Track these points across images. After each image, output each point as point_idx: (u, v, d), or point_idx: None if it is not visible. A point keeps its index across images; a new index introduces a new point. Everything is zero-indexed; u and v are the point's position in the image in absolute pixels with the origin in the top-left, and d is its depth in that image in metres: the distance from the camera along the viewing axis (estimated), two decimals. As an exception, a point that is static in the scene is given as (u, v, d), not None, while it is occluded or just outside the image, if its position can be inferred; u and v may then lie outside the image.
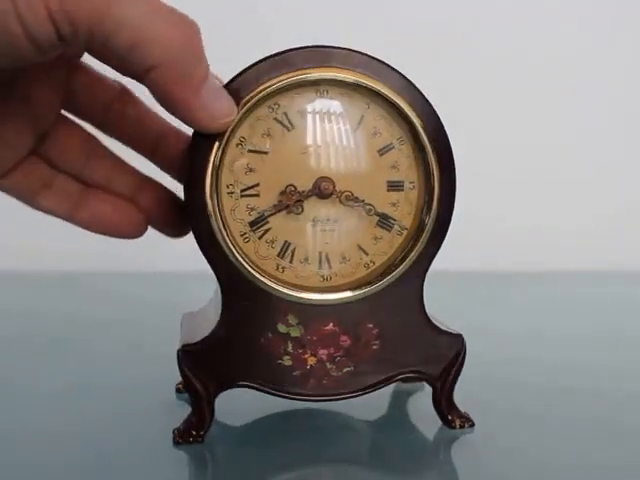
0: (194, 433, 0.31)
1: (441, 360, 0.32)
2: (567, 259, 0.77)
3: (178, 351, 0.30)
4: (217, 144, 0.29)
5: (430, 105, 0.30)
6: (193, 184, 0.29)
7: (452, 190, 0.31)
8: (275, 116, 0.30)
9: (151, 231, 0.31)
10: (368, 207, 0.30)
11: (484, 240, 0.73)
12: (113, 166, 0.30)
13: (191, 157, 0.29)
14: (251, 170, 0.30)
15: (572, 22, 0.82)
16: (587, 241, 0.78)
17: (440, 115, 0.30)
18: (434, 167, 0.30)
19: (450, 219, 0.31)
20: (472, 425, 0.32)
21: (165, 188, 0.31)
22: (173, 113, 0.26)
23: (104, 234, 0.30)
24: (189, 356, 0.30)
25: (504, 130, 0.79)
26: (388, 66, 0.30)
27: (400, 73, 0.30)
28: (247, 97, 0.29)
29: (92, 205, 0.29)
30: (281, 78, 0.29)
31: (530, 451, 0.31)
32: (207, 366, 0.31)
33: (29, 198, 0.29)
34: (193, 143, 0.29)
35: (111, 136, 0.30)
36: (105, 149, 0.30)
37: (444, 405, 0.32)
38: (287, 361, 0.31)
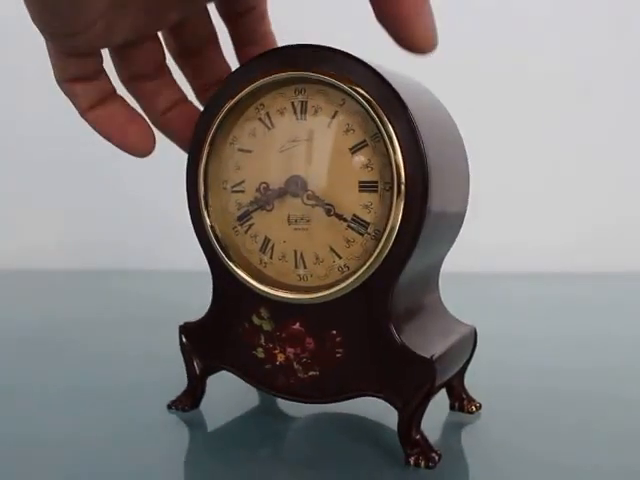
0: (185, 403, 0.34)
1: (405, 385, 0.28)
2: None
3: (180, 326, 0.34)
4: (207, 143, 0.31)
5: (403, 104, 0.27)
6: (190, 179, 0.32)
7: (423, 192, 0.27)
8: (259, 116, 0.31)
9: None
10: (327, 207, 0.29)
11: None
12: (166, 82, 0.33)
13: (189, 155, 0.32)
14: (239, 168, 0.32)
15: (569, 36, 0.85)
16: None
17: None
18: (401, 168, 0.27)
19: (421, 223, 0.27)
20: (430, 467, 0.28)
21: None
22: (393, 16, 0.25)
23: (109, 139, 0.31)
24: (185, 332, 0.34)
25: (501, 142, 0.83)
26: (363, 63, 0.28)
27: (375, 70, 0.28)
28: (235, 97, 0.30)
29: (111, 107, 0.31)
30: (262, 78, 0.30)
31: (536, 454, 0.30)
32: (198, 346, 0.34)
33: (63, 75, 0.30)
34: (192, 142, 0.32)
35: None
36: (167, 67, 0.33)
37: (403, 435, 0.28)
38: (260, 353, 0.32)
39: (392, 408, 0.29)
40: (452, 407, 0.34)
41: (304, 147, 0.30)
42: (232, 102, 0.30)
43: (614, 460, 0.30)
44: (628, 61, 0.86)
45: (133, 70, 0.32)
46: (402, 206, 0.27)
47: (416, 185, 0.27)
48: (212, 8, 0.33)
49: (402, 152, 0.27)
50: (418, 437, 0.28)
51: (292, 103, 0.30)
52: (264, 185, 0.31)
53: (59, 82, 0.30)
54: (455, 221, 0.32)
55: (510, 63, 0.84)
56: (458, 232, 0.32)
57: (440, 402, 0.34)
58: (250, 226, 0.32)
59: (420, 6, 0.25)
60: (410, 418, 0.28)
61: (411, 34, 0.25)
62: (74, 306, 0.67)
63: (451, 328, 0.32)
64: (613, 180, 0.87)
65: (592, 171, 0.86)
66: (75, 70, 0.30)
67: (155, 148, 0.32)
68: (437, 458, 0.28)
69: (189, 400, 0.34)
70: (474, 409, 0.34)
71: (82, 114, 0.31)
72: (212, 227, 0.32)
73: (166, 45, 0.33)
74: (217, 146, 0.32)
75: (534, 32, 0.86)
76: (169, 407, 0.34)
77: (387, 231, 0.28)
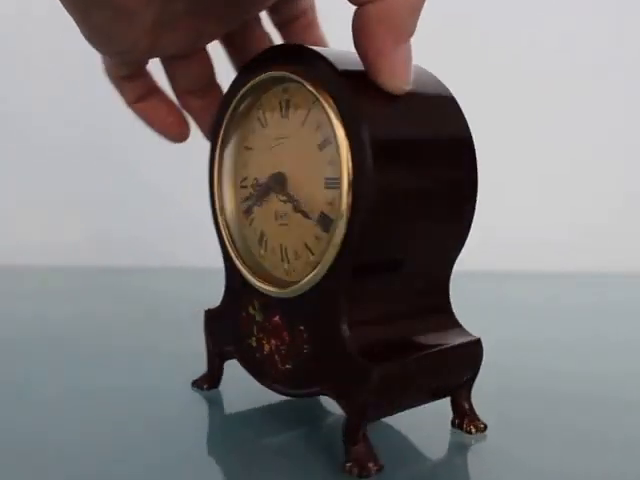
0: (205, 383, 0.37)
1: (350, 391, 0.27)
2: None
3: (204, 311, 0.37)
4: (219, 141, 0.34)
5: (357, 106, 0.27)
6: (210, 176, 0.35)
7: (368, 190, 0.26)
8: (258, 115, 0.32)
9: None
10: (295, 204, 0.29)
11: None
12: (214, 99, 0.35)
13: (209, 152, 0.35)
14: (245, 165, 0.33)
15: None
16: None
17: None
18: (350, 165, 0.27)
19: (367, 221, 0.26)
20: (364, 476, 0.26)
21: None
22: (363, 53, 0.27)
23: (150, 127, 0.36)
24: (206, 318, 0.36)
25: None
26: (330, 64, 0.27)
27: (338, 71, 0.27)
28: (236, 97, 0.32)
29: (153, 100, 0.35)
30: (254, 78, 0.31)
31: (536, 461, 0.29)
32: (214, 332, 0.36)
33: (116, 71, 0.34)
34: (211, 140, 0.35)
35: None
36: (217, 84, 0.36)
37: (345, 440, 0.27)
38: (253, 342, 0.33)
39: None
40: (452, 423, 0.32)
41: (286, 144, 0.31)
42: (235, 101, 0.32)
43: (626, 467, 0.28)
44: (628, 61, 0.84)
45: (183, 85, 0.36)
46: (350, 202, 0.27)
47: (362, 183, 0.26)
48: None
49: (351, 150, 0.27)
50: (359, 445, 0.27)
51: (279, 101, 0.31)
52: (256, 181, 0.32)
53: (108, 77, 0.35)
54: (438, 222, 0.29)
55: (503, 60, 0.81)
56: (451, 235, 0.30)
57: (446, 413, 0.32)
58: (252, 220, 0.33)
59: (387, 52, 0.26)
60: (351, 425, 0.27)
61: (376, 75, 0.27)
62: (94, 303, 0.64)
63: (441, 339, 0.30)
64: (612, 179, 0.84)
65: (592, 169, 0.83)
66: (123, 72, 0.34)
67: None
68: (374, 470, 0.26)
69: (209, 380, 0.37)
70: (473, 430, 0.31)
71: (128, 105, 0.36)
72: (225, 221, 0.34)
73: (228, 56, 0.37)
74: (230, 144, 0.34)
75: (531, 27, 0.83)
76: (192, 385, 0.37)
77: (336, 228, 0.27)
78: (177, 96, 0.36)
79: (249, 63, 0.32)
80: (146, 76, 0.35)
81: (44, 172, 0.83)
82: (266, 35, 0.36)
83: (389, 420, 0.33)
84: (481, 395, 0.32)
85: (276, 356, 0.32)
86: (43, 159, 0.84)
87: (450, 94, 0.31)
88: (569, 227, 0.81)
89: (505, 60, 0.82)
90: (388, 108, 0.27)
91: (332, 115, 0.27)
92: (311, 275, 0.29)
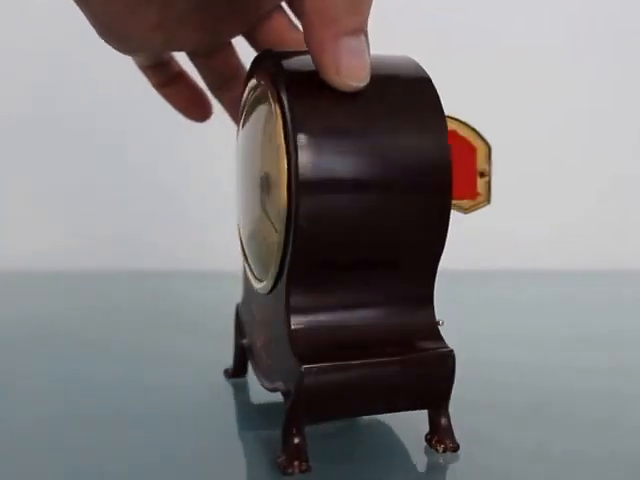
0: (231, 375, 0.39)
1: (289, 387, 0.27)
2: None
3: (236, 304, 0.39)
4: (238, 142, 0.36)
5: (291, 106, 0.27)
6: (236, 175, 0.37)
7: (300, 192, 0.26)
8: (262, 116, 0.33)
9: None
10: (262, 204, 0.30)
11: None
12: (239, 85, 0.36)
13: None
14: (259, 164, 0.34)
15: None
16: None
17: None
18: (286, 166, 0.27)
19: (294, 221, 0.26)
20: (288, 474, 0.26)
21: None
22: (309, 50, 0.26)
23: (175, 108, 0.40)
24: (236, 311, 0.38)
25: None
26: (286, 74, 0.28)
27: (285, 71, 0.28)
28: (241, 100, 0.34)
29: (177, 85, 0.39)
30: (249, 83, 0.33)
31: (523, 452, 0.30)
32: (238, 325, 0.38)
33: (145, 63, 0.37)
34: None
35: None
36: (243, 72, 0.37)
37: (282, 436, 0.27)
38: (254, 337, 0.34)
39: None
40: (425, 437, 0.29)
41: (273, 145, 0.31)
42: (242, 103, 0.34)
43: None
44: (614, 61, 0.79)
45: (209, 81, 0.38)
46: (286, 202, 0.27)
47: (293, 184, 0.26)
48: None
49: (287, 151, 0.27)
50: (292, 443, 0.27)
51: (268, 106, 0.32)
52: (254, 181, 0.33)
53: (135, 64, 0.38)
54: (404, 228, 0.28)
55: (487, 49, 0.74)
56: (424, 240, 0.28)
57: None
58: (259, 219, 0.34)
59: (328, 47, 0.25)
60: (284, 422, 0.27)
61: (322, 72, 0.26)
62: (95, 304, 0.59)
63: (405, 347, 0.28)
64: (608, 177, 0.80)
65: (591, 166, 0.79)
66: (146, 62, 0.38)
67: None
68: (298, 470, 0.26)
69: (234, 370, 0.39)
70: (440, 449, 0.28)
71: (154, 88, 0.40)
72: (240, 220, 0.36)
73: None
74: (245, 143, 0.35)
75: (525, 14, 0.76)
76: (224, 373, 0.40)
77: (279, 229, 0.28)
78: (210, 92, 0.39)
79: (250, 66, 0.34)
80: (170, 63, 0.38)
81: (43, 173, 0.76)
82: (292, 31, 0.36)
83: (371, 424, 0.32)
84: (473, 395, 0.31)
85: (263, 352, 0.33)
86: (41, 160, 0.76)
87: (433, 94, 0.28)
88: (555, 225, 0.77)
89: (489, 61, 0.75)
90: (342, 107, 0.27)
91: (276, 117, 0.28)
92: (270, 274, 0.29)
